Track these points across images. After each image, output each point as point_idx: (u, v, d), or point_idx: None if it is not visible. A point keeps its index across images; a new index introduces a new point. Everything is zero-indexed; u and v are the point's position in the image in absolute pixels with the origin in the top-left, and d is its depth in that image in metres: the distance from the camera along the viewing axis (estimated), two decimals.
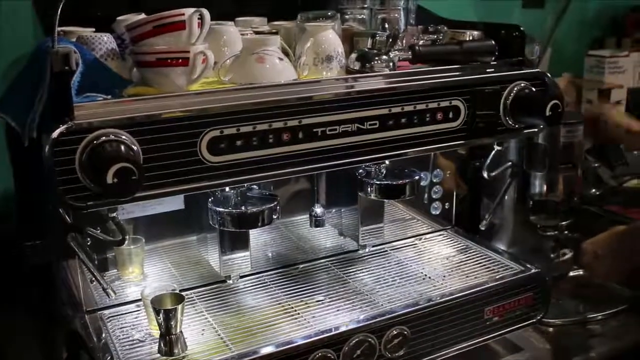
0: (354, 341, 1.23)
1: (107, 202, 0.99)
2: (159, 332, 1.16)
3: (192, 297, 1.38)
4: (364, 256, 1.56)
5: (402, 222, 1.68)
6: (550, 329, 1.59)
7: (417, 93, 1.21)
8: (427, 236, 1.68)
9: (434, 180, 1.67)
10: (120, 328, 1.28)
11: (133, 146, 0.98)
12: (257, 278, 1.45)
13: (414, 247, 1.62)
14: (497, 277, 1.45)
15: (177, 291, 1.22)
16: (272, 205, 1.27)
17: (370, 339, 1.25)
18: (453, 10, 1.76)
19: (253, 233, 1.47)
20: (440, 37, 1.45)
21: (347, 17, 1.52)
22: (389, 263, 1.53)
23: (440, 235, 1.69)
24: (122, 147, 0.96)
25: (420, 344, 1.32)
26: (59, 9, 0.97)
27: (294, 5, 1.63)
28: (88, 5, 1.41)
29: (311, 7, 1.47)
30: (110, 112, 1.01)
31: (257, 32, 1.37)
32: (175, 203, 1.35)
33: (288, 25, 1.46)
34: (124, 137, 0.98)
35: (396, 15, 1.47)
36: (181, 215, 1.40)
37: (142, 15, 1.23)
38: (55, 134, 0.94)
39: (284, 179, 1.19)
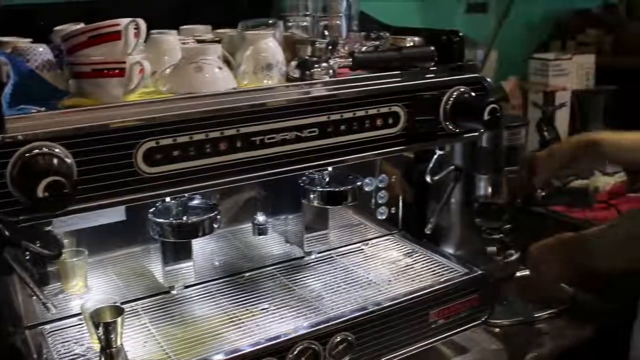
0: (297, 349, 1.23)
1: (39, 216, 0.97)
2: (100, 345, 1.15)
3: (136, 309, 1.36)
4: (310, 263, 1.56)
5: (349, 228, 1.69)
6: (497, 330, 1.61)
7: (355, 100, 1.22)
8: (374, 241, 1.69)
9: (380, 186, 1.68)
10: (62, 343, 1.27)
11: (66, 159, 0.97)
12: (203, 288, 1.45)
13: (361, 253, 1.63)
14: (442, 280, 1.46)
15: (118, 304, 1.21)
16: (212, 214, 1.27)
17: (314, 346, 1.25)
18: (398, 16, 1.77)
19: (199, 242, 1.47)
20: (382, 44, 1.46)
21: (290, 24, 1.53)
22: (334, 269, 1.54)
23: (386, 240, 1.70)
24: (54, 160, 0.94)
25: (365, 349, 1.32)
26: None
27: (242, 13, 1.64)
28: (33, 16, 1.40)
29: (257, 15, 1.47)
30: (44, 124, 0.99)
31: (199, 41, 1.36)
32: (116, 214, 1.33)
33: (232, 33, 1.45)
34: (57, 149, 0.96)
35: (338, 22, 1.47)
36: (124, 227, 1.38)
37: (81, 25, 1.22)
38: None
39: (228, 187, 1.18)
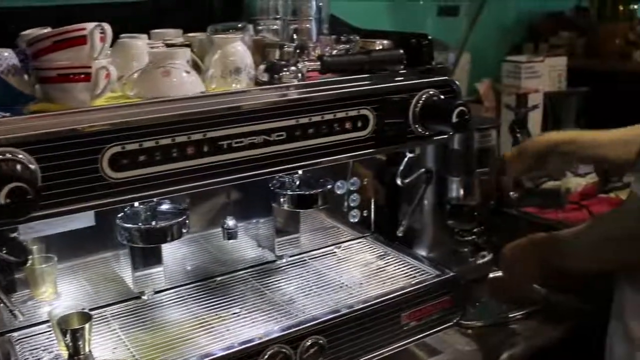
0: (268, 353, 1.23)
1: (2, 223, 0.96)
2: (67, 352, 1.14)
3: (106, 315, 1.36)
4: (282, 267, 1.56)
5: (321, 231, 1.69)
6: (470, 331, 1.62)
7: (324, 103, 1.22)
8: (346, 244, 1.69)
9: (352, 189, 1.68)
10: (31, 350, 1.26)
11: (30, 165, 0.96)
12: (174, 292, 1.44)
13: (333, 256, 1.63)
14: (414, 282, 1.47)
15: (87, 310, 1.20)
16: (181, 219, 1.26)
17: (284, 350, 1.25)
18: (369, 19, 1.78)
19: (169, 247, 1.46)
20: (352, 47, 1.46)
21: (260, 27, 1.53)
22: (307, 272, 1.54)
23: (359, 242, 1.70)
24: (17, 166, 0.94)
25: (337, 353, 1.32)
26: None
27: (214, 17, 1.64)
28: (1, 20, 1.39)
29: (229, 18, 1.46)
30: (7, 129, 0.98)
31: (168, 45, 1.36)
32: (85, 220, 1.32)
33: (202, 37, 1.45)
34: (20, 155, 0.95)
35: (308, 25, 1.47)
36: (94, 232, 1.37)
37: (48, 30, 1.21)
38: None
39: (198, 192, 1.17)
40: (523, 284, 1.54)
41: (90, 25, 1.09)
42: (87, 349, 1.14)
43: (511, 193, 1.97)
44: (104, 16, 1.16)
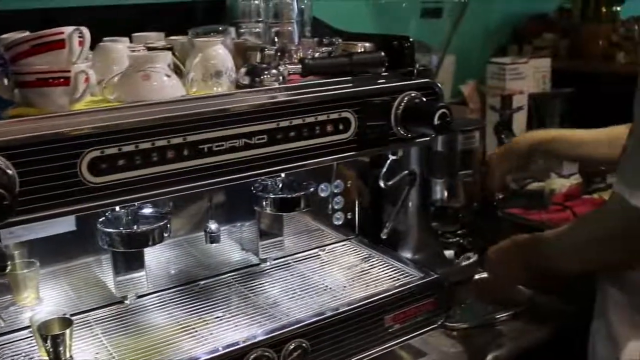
0: (252, 357, 1.23)
1: None
2: (48, 358, 1.13)
3: (89, 320, 1.35)
4: (266, 270, 1.56)
5: (305, 234, 1.69)
6: (455, 333, 1.62)
7: (305, 106, 1.22)
8: (330, 247, 1.69)
9: (335, 191, 1.68)
10: (12, 356, 1.25)
11: (8, 170, 0.95)
12: (157, 297, 1.44)
13: (317, 258, 1.63)
14: (397, 284, 1.47)
15: (68, 315, 1.19)
16: (162, 223, 1.26)
17: (268, 354, 1.24)
18: (352, 22, 1.78)
19: (153, 251, 1.46)
20: (334, 50, 1.46)
21: (242, 30, 1.53)
22: (290, 275, 1.54)
23: (343, 245, 1.70)
24: None
25: (320, 356, 1.32)
26: None
27: (197, 20, 1.63)
28: None
29: (212, 21, 1.46)
30: None
31: (149, 48, 1.35)
32: (66, 225, 1.32)
33: (184, 40, 1.44)
34: None
35: (290, 28, 1.47)
36: (76, 237, 1.37)
37: (27, 33, 1.20)
38: None
39: (181, 195, 1.17)
40: (508, 286, 1.55)
41: (68, 29, 1.09)
42: (68, 355, 1.14)
43: (496, 194, 1.98)
44: (87, 20, 1.16)
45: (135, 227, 1.26)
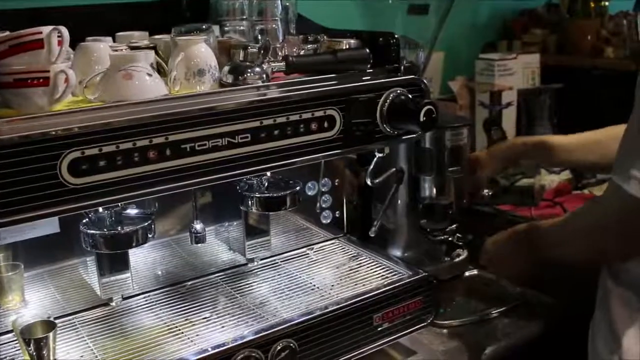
0: (239, 357, 1.21)
1: None
2: None
3: (74, 323, 1.33)
4: (254, 270, 1.54)
5: (293, 233, 1.68)
6: (445, 330, 1.61)
7: (289, 104, 1.21)
8: (319, 246, 1.67)
9: (323, 189, 1.67)
10: None
11: None
12: (143, 298, 1.42)
13: (305, 258, 1.62)
14: (386, 283, 1.46)
15: (52, 318, 1.18)
16: (146, 224, 1.25)
17: (255, 354, 1.23)
18: (338, 19, 1.77)
19: (139, 252, 1.45)
20: (319, 47, 1.45)
21: (227, 28, 1.51)
22: (278, 275, 1.52)
23: (331, 244, 1.69)
24: None
25: (309, 356, 1.31)
26: None
27: (182, 18, 1.62)
28: None
29: (197, 20, 1.45)
30: None
31: (132, 48, 1.34)
32: (49, 226, 1.30)
33: (168, 39, 1.43)
34: None
35: (274, 26, 1.46)
36: (61, 239, 1.35)
37: (7, 33, 1.19)
38: None
39: (165, 196, 1.16)
40: (507, 277, 1.53)
41: (46, 29, 1.08)
42: (52, 358, 1.12)
43: (485, 191, 1.97)
44: (71, 19, 1.15)
45: (118, 228, 1.24)
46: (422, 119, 1.28)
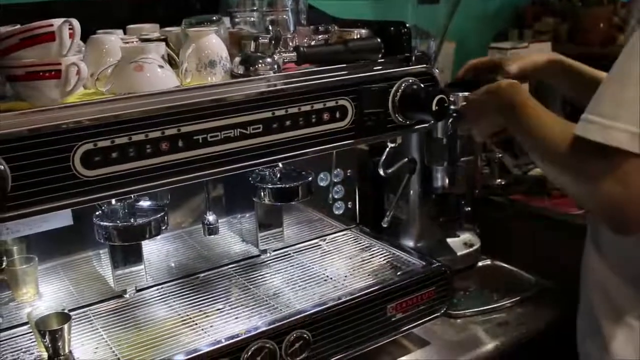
0: (252, 348, 1.22)
1: None
2: (47, 354, 1.13)
3: (88, 315, 1.34)
4: (267, 261, 1.55)
5: (306, 224, 1.68)
6: (459, 321, 1.61)
7: (300, 95, 1.20)
8: (331, 236, 1.68)
9: (335, 180, 1.67)
10: (12, 352, 1.24)
11: None
12: (156, 290, 1.43)
13: (318, 249, 1.62)
14: (398, 274, 1.46)
15: (66, 310, 1.18)
16: (159, 216, 1.25)
17: (269, 345, 1.23)
18: (349, 9, 1.76)
19: (153, 244, 1.46)
20: (330, 37, 1.44)
21: (237, 20, 1.51)
22: (291, 266, 1.53)
23: (344, 234, 1.69)
24: None
25: (322, 347, 1.31)
26: None
27: (192, 10, 1.61)
28: None
29: (206, 11, 1.44)
30: None
31: (143, 40, 1.34)
32: (63, 219, 1.31)
33: (179, 31, 1.43)
34: None
35: (284, 16, 1.45)
36: (74, 231, 1.36)
37: (17, 27, 1.19)
38: None
39: (178, 187, 1.16)
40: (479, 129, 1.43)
41: (58, 21, 1.07)
42: (66, 350, 1.13)
43: (498, 180, 1.96)
44: (82, 12, 1.14)
45: (132, 220, 1.25)
46: (434, 108, 1.28)
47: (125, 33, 1.42)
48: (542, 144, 1.15)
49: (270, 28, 1.39)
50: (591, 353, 1.28)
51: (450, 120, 1.58)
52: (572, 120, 1.15)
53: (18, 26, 1.12)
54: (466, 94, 1.42)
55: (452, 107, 1.42)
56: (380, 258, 1.55)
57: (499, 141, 1.42)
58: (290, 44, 1.41)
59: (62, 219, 1.31)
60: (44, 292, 1.38)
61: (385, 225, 1.62)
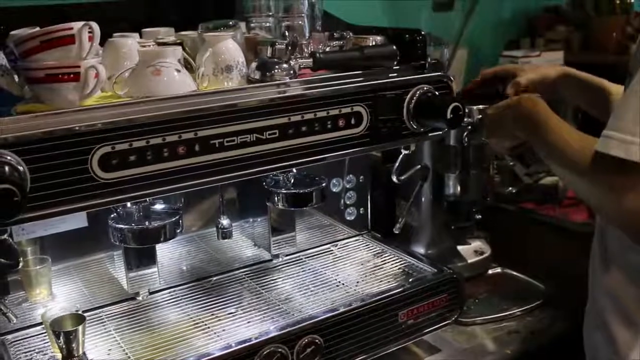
0: (264, 353, 1.22)
1: None
2: (61, 355, 1.13)
3: (101, 317, 1.35)
4: (278, 266, 1.55)
5: (318, 229, 1.68)
6: (469, 328, 1.61)
7: (316, 100, 1.21)
8: (343, 242, 1.68)
9: (348, 186, 1.67)
10: (25, 353, 1.25)
11: (18, 166, 0.95)
12: (169, 293, 1.43)
13: (330, 254, 1.62)
14: (411, 280, 1.46)
15: (80, 312, 1.19)
16: (174, 219, 1.25)
17: (281, 350, 1.24)
18: (364, 15, 1.77)
19: (166, 247, 1.46)
20: (345, 43, 1.45)
21: (253, 25, 1.51)
22: (303, 271, 1.53)
23: (356, 240, 1.69)
24: (5, 168, 0.92)
25: (334, 352, 1.31)
26: None
27: (207, 15, 1.62)
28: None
29: (222, 16, 1.45)
30: None
31: (159, 44, 1.34)
32: (77, 221, 1.31)
33: (194, 35, 1.44)
34: (8, 157, 0.94)
35: (300, 22, 1.46)
36: (88, 233, 1.37)
37: (37, 29, 1.20)
38: None
39: (193, 191, 1.16)
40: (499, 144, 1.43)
41: (78, 25, 1.08)
42: (80, 351, 1.13)
43: (509, 188, 1.96)
44: (97, 15, 1.15)
45: (147, 223, 1.25)
46: (449, 115, 1.28)
47: (140, 37, 1.43)
48: (565, 159, 1.17)
49: (287, 34, 1.40)
50: (598, 347, 1.29)
51: (465, 134, 1.59)
52: (585, 130, 1.17)
53: (38, 28, 1.14)
54: (481, 106, 1.43)
55: (467, 119, 1.43)
56: (392, 264, 1.55)
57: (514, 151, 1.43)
58: (306, 49, 1.41)
59: (77, 220, 1.31)
60: (57, 293, 1.39)
61: (397, 232, 1.62)
